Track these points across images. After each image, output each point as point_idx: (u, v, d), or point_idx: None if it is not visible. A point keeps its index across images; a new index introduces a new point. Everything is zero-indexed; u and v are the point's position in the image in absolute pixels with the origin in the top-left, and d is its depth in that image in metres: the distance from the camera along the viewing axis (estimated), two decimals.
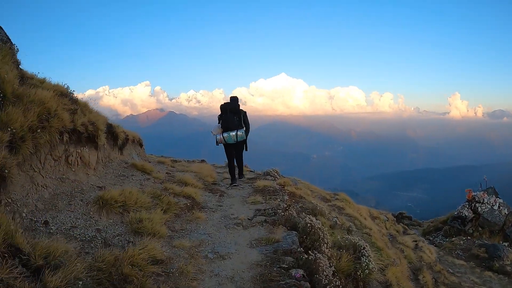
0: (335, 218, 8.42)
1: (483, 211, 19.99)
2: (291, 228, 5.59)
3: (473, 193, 21.41)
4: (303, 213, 7.57)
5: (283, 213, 6.07)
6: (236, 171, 9.83)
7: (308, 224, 5.42)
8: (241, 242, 5.11)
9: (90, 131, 6.53)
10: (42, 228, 4.42)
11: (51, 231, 4.43)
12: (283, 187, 9.25)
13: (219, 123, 9.21)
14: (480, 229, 19.70)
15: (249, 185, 9.23)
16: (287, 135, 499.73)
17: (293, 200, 8.63)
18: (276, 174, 11.18)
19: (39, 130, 4.98)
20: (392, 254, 9.61)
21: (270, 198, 7.42)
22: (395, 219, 23.44)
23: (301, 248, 4.93)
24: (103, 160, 7.62)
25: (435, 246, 18.34)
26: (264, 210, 6.46)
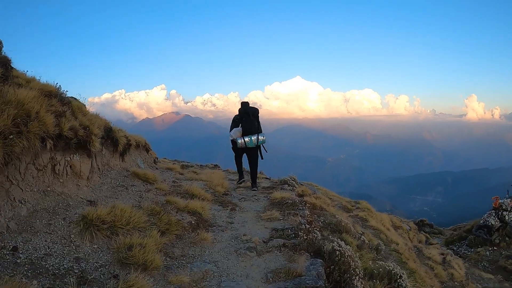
0: (362, 236, 7.32)
1: (511, 220, 19.06)
2: (315, 254, 4.55)
3: (500, 201, 20.22)
4: (327, 229, 6.60)
5: (305, 236, 5.01)
6: (246, 177, 9.97)
7: (337, 251, 4.39)
8: (254, 275, 4.06)
9: (81, 136, 5.60)
10: (8, 257, 3.54)
11: (19, 260, 3.54)
12: (303, 198, 8.21)
13: (234, 126, 9.00)
14: (507, 239, 18.92)
15: (264, 196, 8.27)
16: (303, 138, 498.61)
17: (315, 214, 7.58)
18: (294, 182, 10.17)
19: (12, 136, 4.12)
20: (424, 274, 8.59)
21: (289, 213, 6.33)
22: (416, 227, 22.24)
23: (329, 284, 3.94)
24: (100, 169, 6.72)
25: (459, 257, 17.27)
26: (282, 230, 5.39)
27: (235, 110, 9.31)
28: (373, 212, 14.13)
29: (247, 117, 8.86)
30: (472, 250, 19.31)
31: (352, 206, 14.16)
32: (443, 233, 26.32)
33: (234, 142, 8.94)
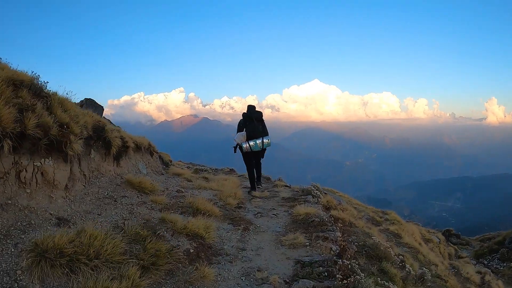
0: (406, 266, 5.82)
1: None
2: None
3: None
4: (362, 255, 5.32)
5: (342, 279, 3.56)
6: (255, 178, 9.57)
7: None
8: None
9: (54, 135, 4.34)
10: None
11: None
12: (330, 213, 6.84)
13: (239, 131, 8.99)
14: None
15: (285, 211, 7.00)
16: (320, 141, 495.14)
17: (345, 233, 6.18)
18: (318, 192, 8.77)
19: None
20: None
21: (317, 237, 4.85)
22: (444, 238, 20.66)
23: None
24: (86, 176, 5.48)
25: (492, 272, 15.78)
26: (311, 264, 3.96)
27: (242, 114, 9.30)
28: (403, 224, 12.89)
29: (251, 121, 8.86)
30: (505, 264, 17.82)
31: (380, 217, 12.83)
32: (470, 243, 24.78)
33: (240, 146, 8.87)
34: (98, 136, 5.94)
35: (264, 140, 8.82)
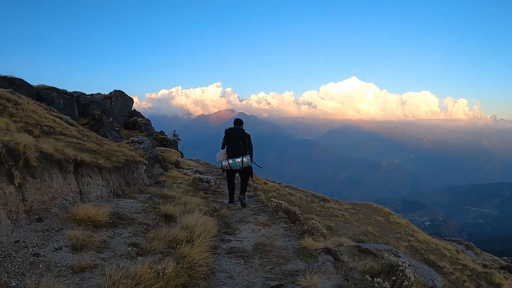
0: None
1: None
2: None
3: None
4: None
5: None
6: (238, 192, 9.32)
7: None
8: None
9: None
10: None
11: None
12: None
13: (222, 148, 8.86)
14: None
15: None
16: (357, 140, 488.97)
17: None
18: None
19: None
20: None
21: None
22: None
23: None
24: None
25: None
26: None
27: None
28: None
29: (231, 139, 8.65)
30: None
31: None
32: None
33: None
34: None
35: (244, 159, 8.48)
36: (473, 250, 20.02)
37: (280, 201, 7.48)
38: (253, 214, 7.57)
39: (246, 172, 8.91)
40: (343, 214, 11.73)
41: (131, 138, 17.40)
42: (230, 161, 8.53)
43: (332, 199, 18.26)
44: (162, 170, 13.15)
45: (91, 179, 6.68)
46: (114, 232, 4.94)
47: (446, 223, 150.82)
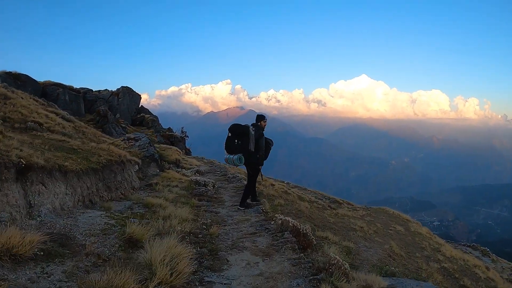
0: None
1: None
2: None
3: None
4: None
5: None
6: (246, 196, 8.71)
7: None
8: None
9: None
10: None
11: None
12: None
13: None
14: None
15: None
16: (366, 138, 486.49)
17: None
18: None
19: None
20: None
21: None
22: None
23: None
24: None
25: None
26: None
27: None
28: None
29: (228, 135, 8.28)
30: None
31: None
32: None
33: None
34: None
35: (233, 157, 8.08)
36: (489, 257, 19.43)
37: (287, 218, 6.03)
38: (251, 234, 6.07)
39: (249, 173, 8.47)
40: (361, 227, 10.35)
41: (127, 135, 16.11)
42: (225, 157, 8.29)
43: (343, 201, 17.48)
44: (158, 170, 12.04)
45: (44, 187, 5.32)
46: (42, 271, 3.36)
47: (455, 223, 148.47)
